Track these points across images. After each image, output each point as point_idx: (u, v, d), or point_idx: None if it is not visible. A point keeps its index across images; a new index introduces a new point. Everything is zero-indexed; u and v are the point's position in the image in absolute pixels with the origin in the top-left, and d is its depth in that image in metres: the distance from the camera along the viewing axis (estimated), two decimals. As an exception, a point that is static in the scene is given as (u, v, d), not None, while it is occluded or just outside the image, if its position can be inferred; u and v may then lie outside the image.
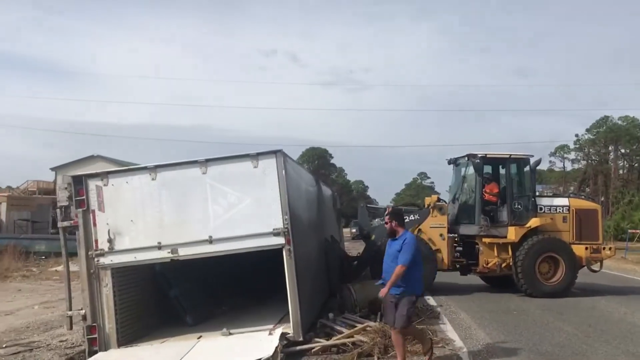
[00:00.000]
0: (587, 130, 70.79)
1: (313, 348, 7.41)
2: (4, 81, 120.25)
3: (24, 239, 26.79)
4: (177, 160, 7.86)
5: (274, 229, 7.46)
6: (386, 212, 14.57)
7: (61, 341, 8.68)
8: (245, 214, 7.57)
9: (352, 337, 7.65)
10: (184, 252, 7.62)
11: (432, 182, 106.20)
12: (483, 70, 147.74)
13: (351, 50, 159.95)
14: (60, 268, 18.82)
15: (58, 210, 8.03)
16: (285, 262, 7.44)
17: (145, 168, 7.84)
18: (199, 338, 7.79)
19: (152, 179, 7.70)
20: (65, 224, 7.87)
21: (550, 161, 76.21)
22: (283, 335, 7.29)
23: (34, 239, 27.98)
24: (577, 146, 72.44)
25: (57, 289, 15.37)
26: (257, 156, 7.61)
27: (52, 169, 57.73)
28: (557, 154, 75.41)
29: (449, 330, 9.00)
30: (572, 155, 74.75)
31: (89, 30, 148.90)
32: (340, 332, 7.92)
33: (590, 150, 71.67)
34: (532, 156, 13.58)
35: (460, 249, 13.76)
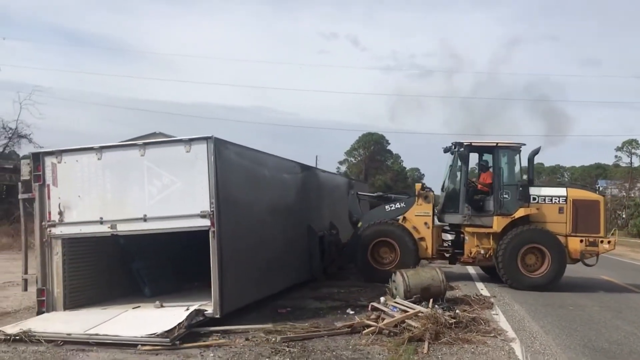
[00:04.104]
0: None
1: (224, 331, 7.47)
2: (72, 57, 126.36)
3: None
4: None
5: (201, 212, 7.85)
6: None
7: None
8: (177, 195, 8.03)
9: (404, 321, 7.78)
10: (122, 228, 8.23)
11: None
12: (551, 58, 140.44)
13: (413, 35, 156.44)
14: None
15: (20, 184, 8.81)
16: (210, 243, 7.81)
17: (92, 148, 8.44)
18: (134, 308, 8.39)
19: (98, 159, 8.32)
20: (25, 196, 8.70)
21: (616, 156, 72.15)
22: (200, 312, 7.69)
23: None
24: (647, 141, 68.08)
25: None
26: (190, 142, 8.01)
27: (115, 145, 60.82)
28: (625, 149, 71.15)
29: (501, 321, 8.93)
30: (641, 151, 70.29)
31: (153, 9, 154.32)
32: (392, 317, 8.07)
33: (661, 146, 67.18)
34: (524, 144, 13.23)
35: (451, 237, 13.66)
